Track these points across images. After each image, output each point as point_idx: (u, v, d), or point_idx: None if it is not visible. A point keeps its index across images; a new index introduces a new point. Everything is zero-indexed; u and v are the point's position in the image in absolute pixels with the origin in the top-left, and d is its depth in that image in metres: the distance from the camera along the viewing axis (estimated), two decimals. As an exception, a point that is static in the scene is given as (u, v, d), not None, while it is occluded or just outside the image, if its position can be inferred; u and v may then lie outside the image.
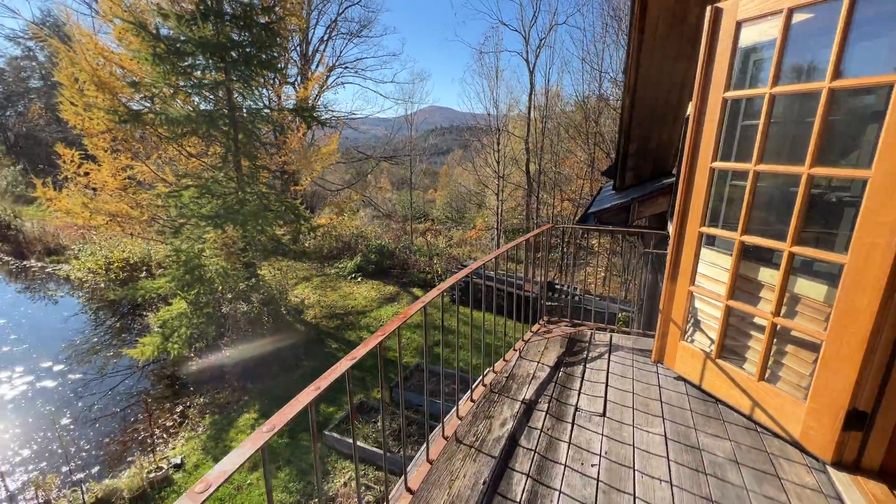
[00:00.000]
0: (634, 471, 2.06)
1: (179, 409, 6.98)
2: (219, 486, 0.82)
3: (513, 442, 2.24)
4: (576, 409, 2.55)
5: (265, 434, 0.94)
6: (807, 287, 2.10)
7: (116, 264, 11.16)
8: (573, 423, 2.42)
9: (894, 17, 1.88)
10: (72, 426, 6.47)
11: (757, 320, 2.32)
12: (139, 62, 7.27)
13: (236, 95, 8.21)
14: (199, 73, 7.87)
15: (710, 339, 2.58)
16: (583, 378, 2.91)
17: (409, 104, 23.83)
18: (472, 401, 2.58)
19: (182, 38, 7.16)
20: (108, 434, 6.36)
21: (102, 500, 4.96)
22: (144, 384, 7.75)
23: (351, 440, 5.82)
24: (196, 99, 8.53)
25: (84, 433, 6.35)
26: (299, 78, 18.52)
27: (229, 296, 7.94)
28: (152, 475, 5.31)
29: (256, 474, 5.56)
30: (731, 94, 2.34)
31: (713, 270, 2.56)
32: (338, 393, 7.26)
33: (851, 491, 1.86)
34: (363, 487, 5.22)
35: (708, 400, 2.63)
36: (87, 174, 7.98)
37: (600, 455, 2.16)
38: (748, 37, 2.27)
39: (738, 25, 2.26)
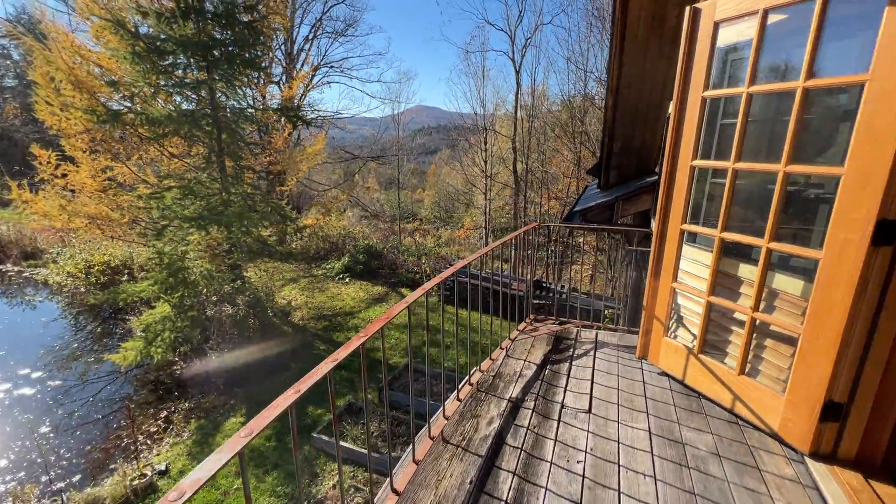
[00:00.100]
0: (619, 466, 2.08)
1: (164, 414, 6.85)
2: (194, 494, 0.80)
3: (499, 440, 2.25)
4: (562, 407, 2.57)
5: (243, 439, 0.93)
6: (784, 282, 2.14)
7: (97, 268, 10.92)
8: (559, 421, 2.44)
9: (865, 18, 1.92)
10: (51, 434, 6.30)
11: (737, 315, 2.36)
12: (118, 61, 7.11)
13: (219, 95, 8.08)
14: (180, 72, 7.72)
15: (693, 334, 2.62)
16: (569, 375, 2.93)
17: (396, 103, 23.77)
18: (459, 400, 2.58)
19: (162, 36, 7.02)
20: (89, 441, 6.21)
21: (84, 510, 4.84)
22: (127, 390, 7.59)
23: (341, 442, 5.79)
24: (178, 98, 8.37)
25: (64, 441, 6.19)
26: (284, 77, 18.33)
27: (214, 298, 7.82)
28: (136, 482, 5.20)
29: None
30: (710, 93, 2.37)
31: (695, 267, 2.60)
32: (326, 395, 7.20)
33: (828, 481, 1.91)
34: (352, 489, 5.19)
35: (691, 395, 2.67)
36: (64, 176, 7.78)
37: (586, 451, 2.18)
38: (726, 37, 2.31)
39: (716, 26, 2.29)
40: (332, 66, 20.70)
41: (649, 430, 2.34)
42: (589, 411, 2.52)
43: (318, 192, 19.74)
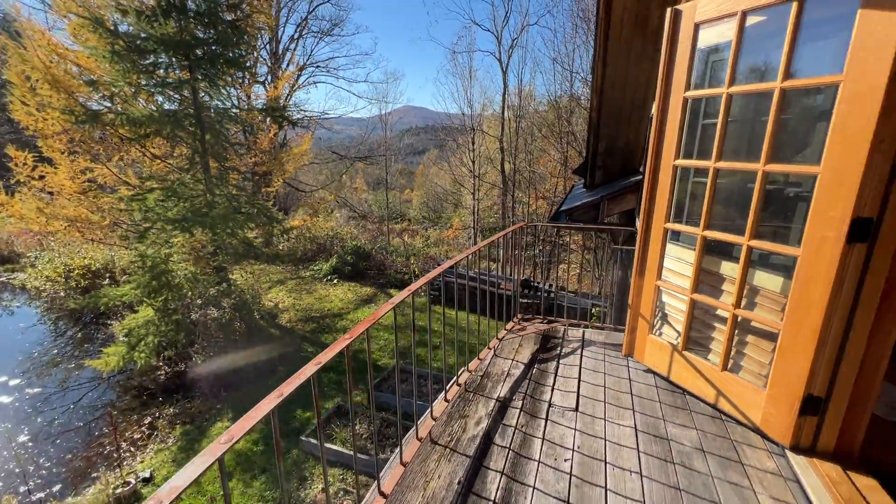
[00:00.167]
0: (606, 463, 2.09)
1: (148, 420, 6.72)
2: (171, 502, 0.79)
3: (487, 440, 2.25)
4: (549, 405, 2.58)
5: (223, 445, 0.91)
6: (765, 279, 2.18)
7: (77, 272, 10.66)
8: (547, 419, 2.45)
9: (840, 20, 1.96)
10: (30, 443, 6.14)
11: (720, 312, 2.40)
12: (97, 60, 6.96)
13: (202, 95, 7.96)
14: (161, 71, 7.59)
15: (677, 331, 2.66)
16: (556, 374, 2.95)
17: (384, 104, 23.72)
18: (447, 401, 2.57)
19: (142, 34, 6.88)
20: (70, 450, 6.06)
21: (65, 520, 4.73)
22: (110, 396, 7.43)
23: (329, 445, 5.74)
24: (159, 98, 8.22)
25: (44, 450, 6.03)
26: (269, 77, 18.14)
27: (199, 302, 7.69)
28: (119, 491, 5.09)
29: (230, 484, 5.40)
30: (692, 93, 2.41)
31: (678, 265, 2.63)
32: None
33: (808, 473, 1.95)
34: (341, 492, 5.16)
35: (676, 391, 2.71)
36: (42, 177, 7.58)
37: (573, 449, 2.19)
38: (706, 38, 2.34)
39: (697, 27, 2.33)
40: (318, 66, 20.57)
41: (635, 427, 2.36)
42: (576, 409, 2.54)
43: (306, 192, 19.57)
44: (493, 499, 1.87)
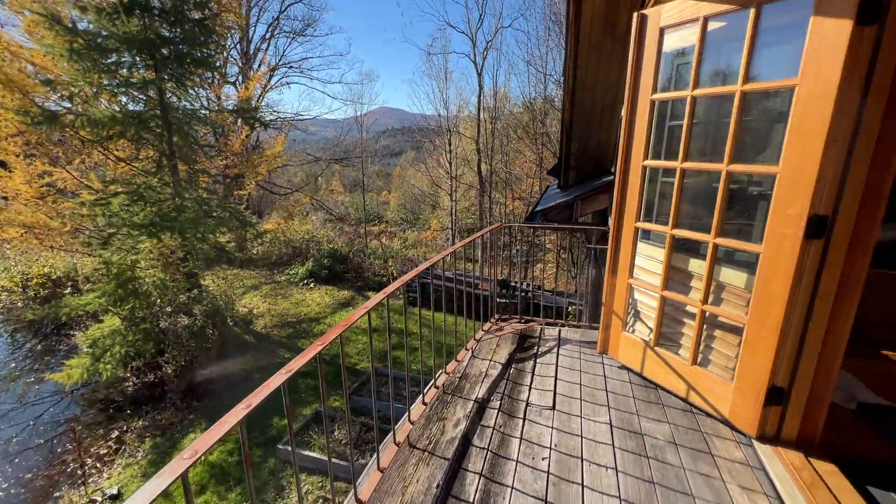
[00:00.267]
0: (582, 460, 2.12)
1: (115, 434, 6.44)
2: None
3: (466, 442, 2.25)
4: (527, 405, 2.60)
5: (186, 461, 0.87)
6: (730, 275, 2.26)
7: (36, 280, 10.13)
8: (524, 419, 2.46)
9: (794, 26, 2.05)
10: (-14, 463, 5.80)
11: (689, 308, 2.46)
12: (54, 58, 6.65)
13: (169, 95, 7.70)
14: (125, 70, 7.30)
15: (649, 328, 2.72)
16: (533, 373, 2.97)
17: (359, 105, 23.52)
18: (425, 404, 2.56)
19: (103, 32, 6.62)
20: (30, 469, 5.76)
21: (25, 543, 4.48)
22: (74, 410, 7.09)
23: (307, 452, 5.63)
24: (123, 99, 7.91)
25: (1, 470, 5.70)
26: (240, 77, 17.70)
27: (169, 309, 7.42)
28: (84, 509, 4.87)
29: (204, 497, 5.24)
30: (658, 96, 2.47)
31: (649, 263, 2.70)
32: (293, 404, 7.00)
33: (773, 461, 2.02)
34: (320, 500, 5.06)
35: (649, 386, 2.77)
36: (-5, 182, 7.19)
37: (550, 448, 2.21)
38: (671, 42, 2.41)
39: (662, 31, 2.39)
40: (290, 67, 20.21)
41: (610, 423, 2.41)
42: (553, 408, 2.57)
43: (280, 195, 19.18)
44: (471, 501, 1.87)
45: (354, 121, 23.36)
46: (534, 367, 3.07)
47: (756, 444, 2.16)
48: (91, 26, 6.74)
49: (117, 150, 8.06)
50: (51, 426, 6.63)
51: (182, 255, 8.09)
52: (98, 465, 5.88)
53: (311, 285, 13.09)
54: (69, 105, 7.00)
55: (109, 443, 6.27)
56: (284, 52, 20.30)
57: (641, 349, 2.78)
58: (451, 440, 2.25)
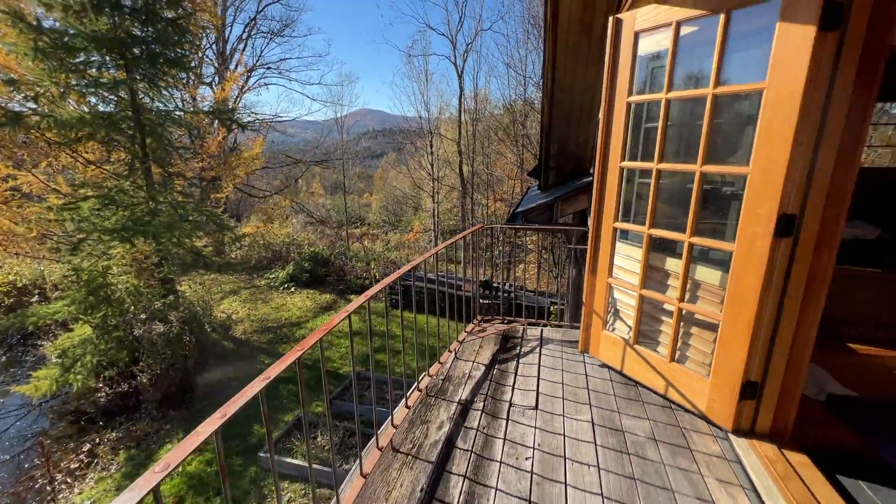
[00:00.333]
0: (565, 459, 2.14)
1: (87, 447, 6.21)
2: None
3: (450, 444, 2.24)
4: (510, 405, 2.61)
5: (157, 474, 0.84)
6: (706, 273, 2.31)
7: (0, 288, 9.70)
8: (508, 419, 2.47)
9: (762, 32, 2.12)
10: (-54, 482, 5.51)
11: (666, 306, 2.51)
12: (17, 57, 6.39)
13: (142, 96, 7.49)
14: (94, 70, 7.06)
15: (628, 326, 2.76)
16: (516, 373, 2.99)
17: (339, 106, 23.37)
18: (408, 407, 2.54)
19: (70, 31, 6.39)
20: (-5, 486, 5.50)
21: (-11, 565, 4.27)
22: (42, 424, 6.81)
23: (288, 459, 5.53)
24: (92, 100, 7.66)
25: (-37, 489, 5.43)
26: (216, 78, 17.35)
27: (143, 316, 7.20)
28: (54, 527, 4.67)
29: (182, 509, 5.09)
30: (634, 98, 2.52)
31: (628, 262, 2.74)
32: (274, 411, 6.87)
33: (748, 454, 2.08)
34: (304, 508, 4.98)
35: (629, 384, 2.81)
36: (-46, 186, 6.86)
37: (533, 448, 2.22)
38: (646, 46, 2.46)
39: (637, 35, 2.44)
40: (269, 68, 19.92)
41: (592, 422, 2.43)
42: (536, 408, 2.58)
43: (259, 198, 18.84)
44: (456, 503, 1.86)
45: (335, 122, 23.18)
46: (517, 367, 3.08)
47: (732, 437, 2.22)
48: (57, 24, 6.50)
49: (87, 153, 7.79)
50: (17, 441, 6.35)
51: (157, 261, 7.86)
52: (69, 479, 5.66)
53: (292, 289, 12.90)
54: (34, 106, 6.73)
55: (81, 456, 6.04)
56: (262, 52, 20.04)
57: (621, 347, 2.83)
58: (434, 443, 2.24)
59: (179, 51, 7.64)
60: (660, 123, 2.33)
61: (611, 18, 2.55)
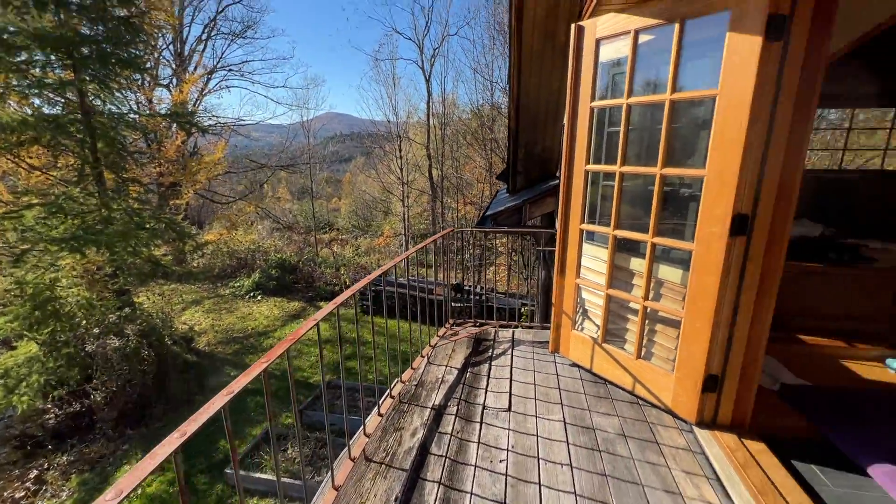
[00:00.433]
0: (539, 459, 2.16)
1: (34, 474, 5.78)
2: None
3: (424, 451, 2.22)
4: (483, 408, 2.61)
5: (109, 502, 0.78)
6: (668, 272, 2.40)
7: (-68, 306, 8.91)
8: (482, 422, 2.47)
9: (714, 41, 2.22)
10: None
11: (632, 305, 2.59)
12: (-51, 55, 5.92)
13: (92, 98, 7.09)
14: (38, 70, 6.64)
15: (597, 325, 2.83)
16: (489, 376, 3.00)
17: (305, 110, 22.93)
18: (381, 415, 2.50)
19: (11, 28, 5.98)
20: (-73, 522, 5.03)
21: None
22: (-19, 451, 6.28)
23: (257, 474, 5.34)
24: (36, 101, 7.20)
25: None
26: (175, 80, 16.67)
27: (96, 331, 6.79)
28: (-4, 562, 4.31)
29: (142, 534, 4.81)
30: (597, 103, 2.59)
31: (595, 263, 2.81)
32: (242, 424, 6.62)
33: (711, 445, 2.16)
34: (274, 524, 4.81)
35: (599, 382, 2.87)
36: None
37: (508, 450, 2.23)
38: (607, 53, 2.54)
39: (598, 43, 2.51)
40: (230, 70, 19.34)
41: (564, 421, 2.47)
42: (509, 409, 2.60)
43: (222, 204, 18.20)
44: (430, 511, 1.84)
45: (301, 126, 22.75)
46: (489, 369, 3.09)
47: (696, 429, 2.30)
48: (-5, 21, 6.07)
49: (30, 158, 7.31)
50: (-47, 471, 5.83)
51: (111, 271, 7.45)
52: (13, 510, 5.24)
53: (259, 298, 12.51)
54: (-30, 108, 6.25)
55: (27, 484, 5.61)
56: (223, 54, 19.40)
57: (590, 346, 2.89)
58: (408, 450, 2.21)
59: (133, 51, 7.30)
60: (622, 128, 2.40)
61: (573, 26, 2.62)
